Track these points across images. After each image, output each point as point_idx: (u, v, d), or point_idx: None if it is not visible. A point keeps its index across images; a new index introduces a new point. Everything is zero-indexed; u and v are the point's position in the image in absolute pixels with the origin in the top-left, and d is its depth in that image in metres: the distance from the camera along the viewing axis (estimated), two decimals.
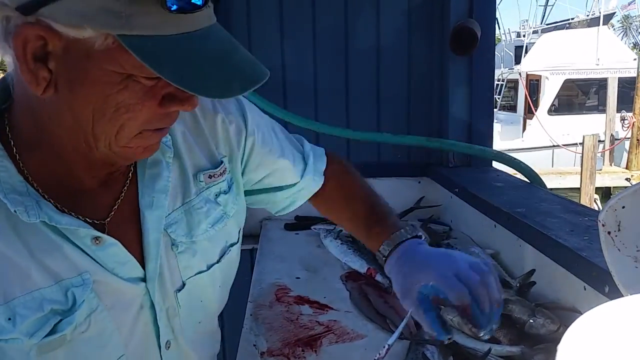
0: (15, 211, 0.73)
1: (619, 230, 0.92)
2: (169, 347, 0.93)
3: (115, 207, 0.86)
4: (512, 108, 16.52)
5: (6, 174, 0.75)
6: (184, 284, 0.92)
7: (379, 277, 1.77)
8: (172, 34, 0.65)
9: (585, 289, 1.22)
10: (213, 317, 1.07)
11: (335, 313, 1.55)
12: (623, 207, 0.92)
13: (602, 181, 12.66)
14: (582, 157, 11.31)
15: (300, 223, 2.41)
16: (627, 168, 13.65)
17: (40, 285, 0.76)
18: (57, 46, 0.66)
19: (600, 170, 12.62)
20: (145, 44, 0.63)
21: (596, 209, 11.34)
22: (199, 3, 0.65)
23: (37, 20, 0.64)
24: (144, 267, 0.86)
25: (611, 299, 1.06)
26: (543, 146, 14.16)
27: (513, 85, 16.74)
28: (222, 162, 0.99)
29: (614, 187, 13.88)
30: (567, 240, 1.28)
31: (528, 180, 2.06)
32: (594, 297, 1.16)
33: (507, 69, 16.84)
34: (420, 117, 2.51)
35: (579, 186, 11.53)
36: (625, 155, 13.97)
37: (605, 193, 13.90)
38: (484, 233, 1.91)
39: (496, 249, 1.82)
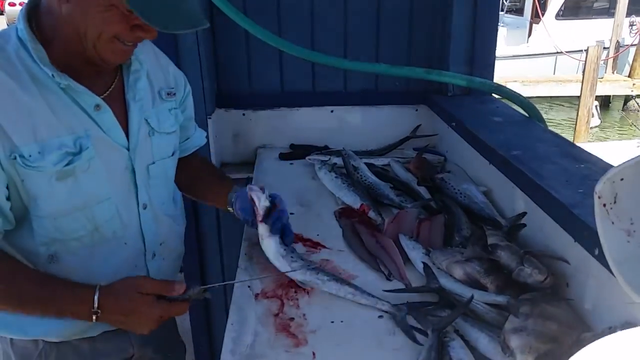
0: (52, 75, 1.11)
1: (614, 202, 0.91)
2: (145, 208, 1.34)
3: (108, 91, 1.25)
4: (519, 11, 15.78)
5: (41, 54, 1.12)
6: (154, 162, 1.35)
7: (371, 214, 1.79)
8: None
9: (575, 241, 1.24)
10: (172, 204, 1.49)
11: (328, 252, 1.59)
12: (622, 180, 0.90)
13: (602, 89, 12.42)
14: (584, 68, 11.00)
15: (294, 152, 2.39)
16: (629, 76, 13.37)
17: (60, 134, 1.14)
18: None
19: (602, 78, 12.33)
20: None
21: (595, 116, 11.26)
22: None
23: None
24: (128, 140, 1.28)
25: (601, 262, 1.08)
26: (548, 52, 13.73)
27: None
28: (173, 87, 1.44)
29: (613, 95, 13.69)
30: (561, 192, 1.27)
31: (527, 115, 2.02)
32: (584, 253, 1.17)
33: None
34: (422, 42, 2.40)
35: (579, 94, 11.35)
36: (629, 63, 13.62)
37: (604, 101, 13.72)
38: (478, 169, 1.90)
39: (489, 186, 1.83)
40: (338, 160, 2.17)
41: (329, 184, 2.00)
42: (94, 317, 1.16)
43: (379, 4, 2.38)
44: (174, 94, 1.44)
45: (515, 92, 1.97)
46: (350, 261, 1.53)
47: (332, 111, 2.49)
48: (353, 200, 1.86)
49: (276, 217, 1.43)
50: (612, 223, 0.90)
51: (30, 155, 1.10)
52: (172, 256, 1.51)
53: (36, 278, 1.18)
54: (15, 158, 1.10)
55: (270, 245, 1.43)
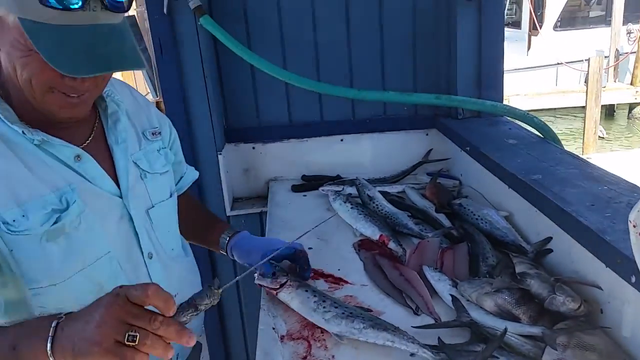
0: (23, 132, 1.04)
1: None
2: (151, 257, 1.25)
3: (89, 139, 1.18)
4: (516, 24, 15.87)
5: (8, 113, 1.05)
6: (153, 205, 1.28)
7: (392, 245, 1.75)
8: (56, 23, 0.94)
9: (606, 266, 1.20)
10: (181, 251, 1.42)
11: (351, 287, 1.55)
12: None
13: (606, 98, 12.40)
14: (586, 78, 10.99)
15: (307, 184, 2.37)
16: (631, 84, 13.36)
17: (42, 193, 1.05)
18: None
19: (604, 87, 12.33)
20: (33, 26, 0.94)
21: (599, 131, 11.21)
22: (71, 5, 0.94)
23: None
24: (119, 187, 1.20)
25: (638, 289, 1.04)
26: (548, 64, 13.75)
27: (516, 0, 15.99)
28: (157, 127, 1.39)
29: (617, 104, 13.66)
30: (588, 218, 1.24)
31: (541, 135, 1.99)
32: (617, 278, 1.14)
33: None
34: (427, 67, 2.40)
35: (583, 105, 11.34)
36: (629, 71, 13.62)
37: (609, 110, 13.69)
38: (496, 192, 1.87)
39: (510, 210, 1.79)
40: (352, 190, 2.15)
41: (345, 215, 1.98)
42: (50, 330, 0.86)
43: (382, 31, 2.39)
44: (160, 133, 1.38)
45: (528, 113, 1.95)
46: (375, 296, 1.50)
47: (341, 140, 2.48)
48: (372, 232, 1.83)
49: (303, 272, 1.50)
50: None
51: (14, 221, 1.02)
52: None
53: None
54: None
55: (297, 303, 1.39)
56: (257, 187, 2.51)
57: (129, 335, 0.83)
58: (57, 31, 0.94)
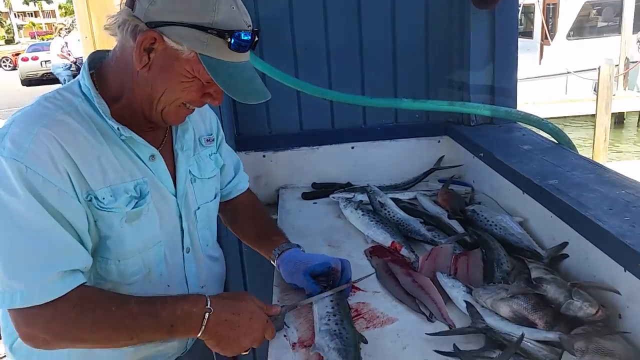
0: (118, 128, 1.22)
1: None
2: (188, 252, 1.42)
3: (162, 145, 1.36)
4: (528, 34, 15.83)
5: (105, 109, 1.23)
6: (199, 207, 1.45)
7: (404, 251, 1.74)
8: (227, 60, 1.17)
9: (625, 270, 1.18)
10: (215, 246, 1.58)
11: (363, 294, 1.53)
12: None
13: (615, 107, 12.30)
14: (597, 86, 10.92)
15: (317, 191, 2.36)
16: None
17: (124, 179, 1.24)
18: (160, 47, 1.16)
19: (614, 95, 12.24)
20: (211, 61, 1.15)
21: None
22: (245, 49, 1.17)
23: (156, 31, 1.14)
24: (175, 188, 1.37)
25: None
26: (560, 73, 13.67)
27: (529, 10, 15.97)
28: (211, 133, 1.55)
29: (627, 112, 13.56)
30: (607, 222, 1.22)
31: (556, 141, 1.97)
32: (637, 282, 1.12)
33: None
34: (440, 75, 2.39)
35: (593, 113, 11.25)
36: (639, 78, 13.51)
37: (618, 119, 13.58)
38: (510, 198, 1.85)
39: (524, 216, 1.77)
40: (363, 197, 2.14)
41: (357, 222, 1.96)
42: (204, 321, 1.19)
43: (394, 39, 2.39)
44: (213, 140, 1.53)
45: (543, 119, 1.93)
46: (388, 303, 1.48)
47: (352, 147, 2.47)
48: (383, 238, 1.82)
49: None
50: None
51: (104, 198, 1.19)
52: None
53: (145, 297, 1.21)
54: (90, 200, 1.17)
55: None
56: (267, 194, 2.50)
57: None
58: (228, 67, 1.16)
